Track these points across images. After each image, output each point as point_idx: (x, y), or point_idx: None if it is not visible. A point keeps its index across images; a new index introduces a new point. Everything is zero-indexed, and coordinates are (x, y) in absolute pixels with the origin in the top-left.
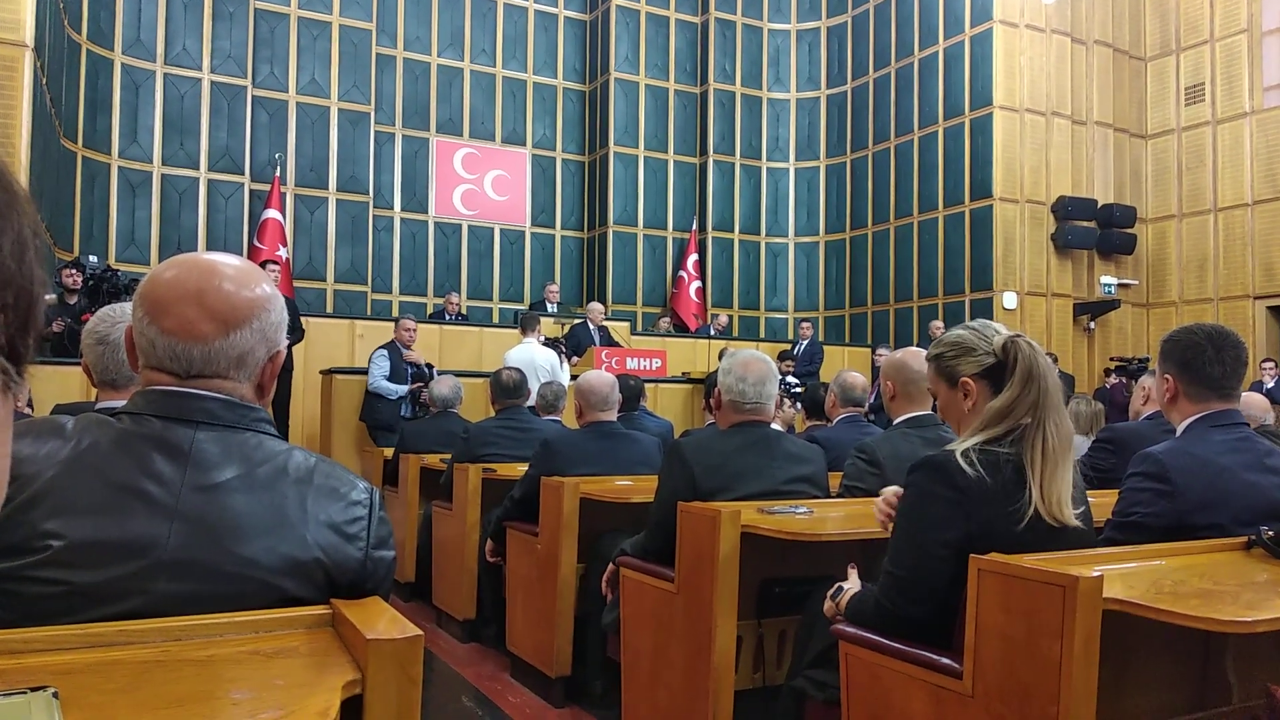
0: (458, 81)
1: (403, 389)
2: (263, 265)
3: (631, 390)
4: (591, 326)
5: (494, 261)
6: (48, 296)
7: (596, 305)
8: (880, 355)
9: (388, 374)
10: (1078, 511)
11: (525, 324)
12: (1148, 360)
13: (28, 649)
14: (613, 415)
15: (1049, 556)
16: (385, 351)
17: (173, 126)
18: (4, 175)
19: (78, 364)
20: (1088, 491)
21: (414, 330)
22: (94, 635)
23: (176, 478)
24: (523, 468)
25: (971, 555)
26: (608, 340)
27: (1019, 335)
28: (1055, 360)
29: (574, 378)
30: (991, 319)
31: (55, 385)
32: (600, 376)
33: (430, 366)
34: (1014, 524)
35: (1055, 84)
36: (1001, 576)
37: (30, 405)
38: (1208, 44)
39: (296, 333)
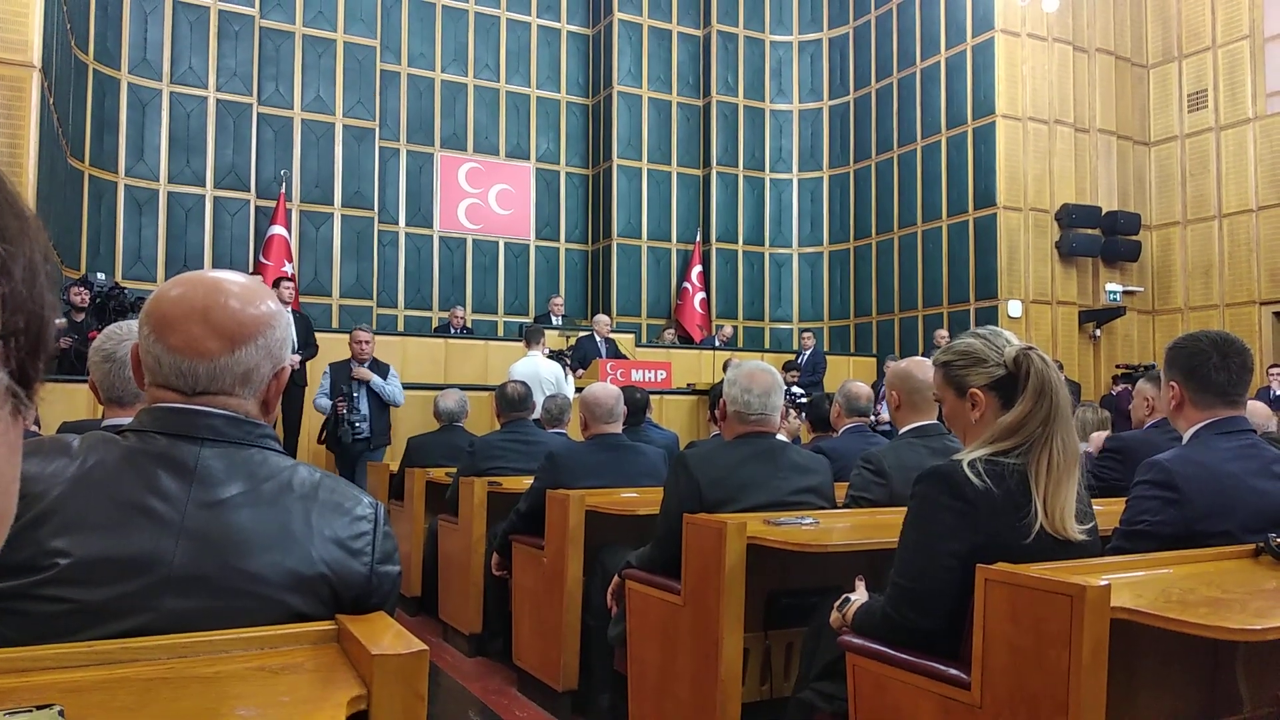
0: (462, 97)
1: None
2: (276, 283)
3: (637, 402)
4: (597, 339)
5: (499, 275)
6: (57, 320)
7: (601, 318)
8: (890, 366)
9: (328, 392)
10: (1085, 527)
11: (530, 337)
12: (1154, 367)
13: (35, 667)
14: (618, 427)
15: (1057, 566)
16: (328, 369)
17: (179, 145)
18: (15, 202)
19: (84, 382)
20: (1093, 499)
21: (367, 343)
22: (100, 653)
23: (182, 494)
24: (528, 481)
25: (979, 565)
26: (613, 352)
27: (1031, 348)
28: (1061, 368)
29: (579, 390)
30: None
31: (62, 403)
32: (605, 389)
33: (362, 383)
34: (1021, 537)
35: (1058, 92)
36: (1009, 586)
37: (37, 424)
38: (1210, 50)
39: (310, 348)
